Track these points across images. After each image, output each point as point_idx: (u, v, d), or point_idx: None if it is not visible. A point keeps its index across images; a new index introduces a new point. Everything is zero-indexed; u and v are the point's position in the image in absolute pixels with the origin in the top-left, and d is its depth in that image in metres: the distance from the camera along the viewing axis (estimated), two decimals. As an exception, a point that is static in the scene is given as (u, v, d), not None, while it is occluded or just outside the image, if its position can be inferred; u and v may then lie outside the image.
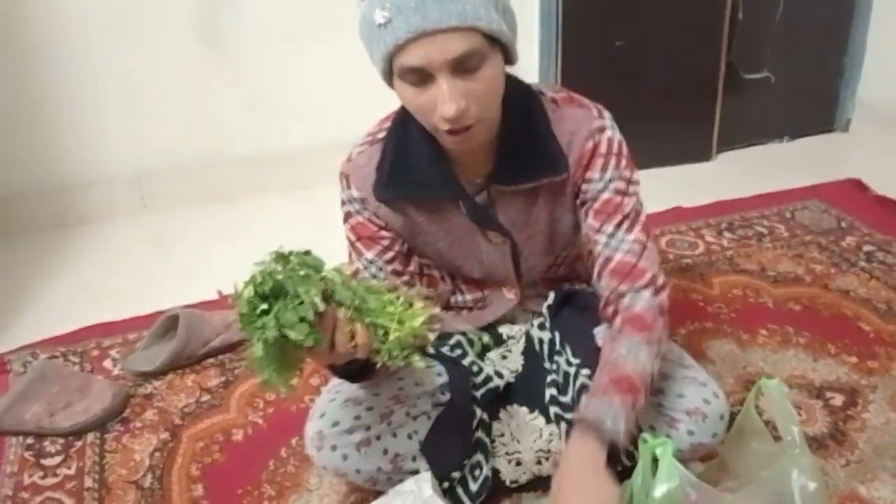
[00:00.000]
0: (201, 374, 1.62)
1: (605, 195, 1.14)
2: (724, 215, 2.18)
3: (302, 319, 0.89)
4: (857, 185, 2.32)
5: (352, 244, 1.21)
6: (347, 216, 1.21)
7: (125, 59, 2.21)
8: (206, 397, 1.56)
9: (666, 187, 2.33)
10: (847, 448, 1.34)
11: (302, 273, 0.91)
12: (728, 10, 2.36)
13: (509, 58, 1.03)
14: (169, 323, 1.66)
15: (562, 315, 1.28)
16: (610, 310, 1.15)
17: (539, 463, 1.22)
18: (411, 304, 0.97)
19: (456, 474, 1.17)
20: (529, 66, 2.40)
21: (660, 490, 1.01)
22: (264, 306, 0.90)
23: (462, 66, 0.95)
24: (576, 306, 1.28)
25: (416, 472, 1.18)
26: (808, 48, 2.61)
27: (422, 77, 0.96)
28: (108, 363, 1.68)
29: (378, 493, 1.23)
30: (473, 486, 1.19)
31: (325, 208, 2.35)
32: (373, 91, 2.45)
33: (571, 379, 1.21)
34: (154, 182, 2.37)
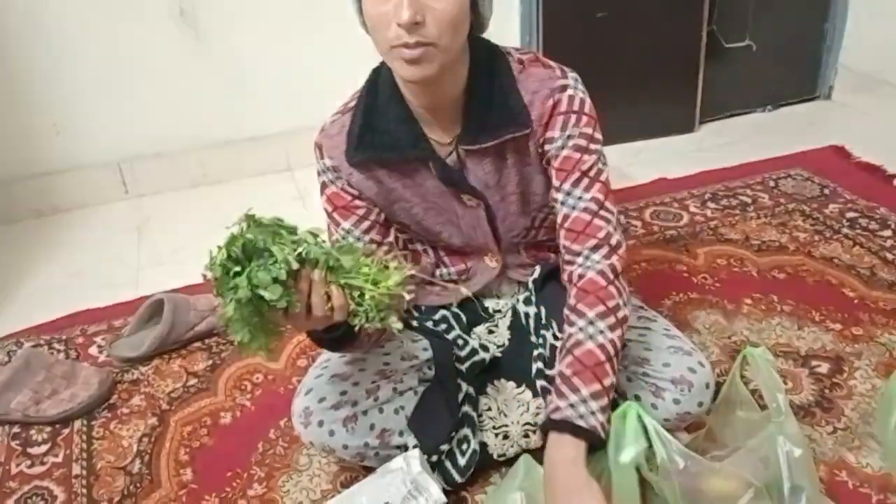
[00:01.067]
0: (188, 358, 1.61)
1: (565, 152, 1.13)
2: (708, 186, 2.18)
3: (275, 280, 0.89)
4: (840, 152, 2.32)
5: (328, 214, 1.21)
6: (323, 187, 1.20)
7: (105, 44, 2.17)
8: (193, 381, 1.55)
9: (649, 159, 2.33)
10: (833, 416, 1.35)
11: (273, 233, 0.91)
12: (709, -22, 2.35)
13: (478, 4, 1.04)
14: (154, 308, 1.65)
15: (547, 289, 1.28)
16: (565, 275, 1.14)
17: (526, 436, 1.22)
18: (386, 267, 0.97)
19: (444, 447, 1.17)
20: (510, 39, 2.38)
21: (626, 455, 1.02)
22: (237, 269, 0.90)
23: None
24: (559, 283, 1.28)
25: (403, 446, 1.18)
26: (789, 16, 2.60)
27: None
28: (93, 350, 1.67)
29: (367, 471, 1.24)
30: (461, 460, 1.19)
31: (307, 190, 2.36)
32: (352, 72, 2.44)
33: (558, 353, 1.20)
34: (135, 167, 2.34)
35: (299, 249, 0.92)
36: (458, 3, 1.00)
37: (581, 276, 1.11)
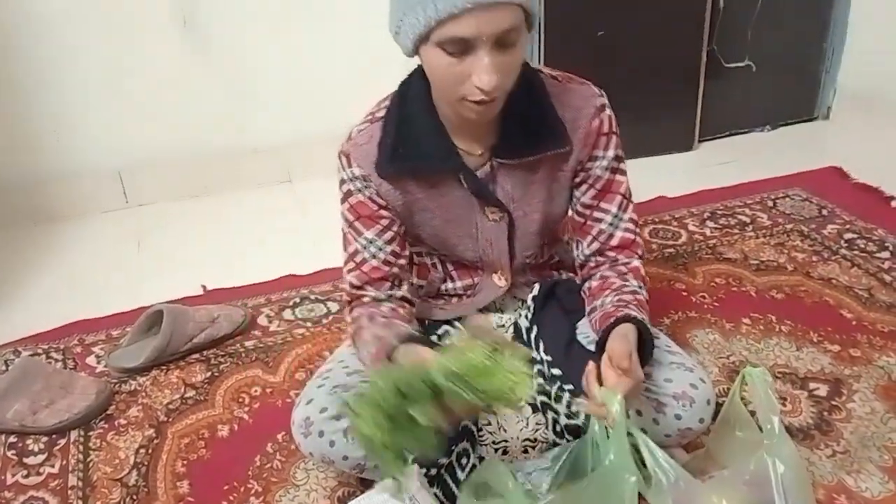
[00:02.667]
0: (186, 369, 1.61)
1: (608, 174, 1.21)
2: (707, 204, 2.18)
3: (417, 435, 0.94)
4: (839, 173, 2.33)
5: (350, 224, 1.22)
6: (347, 195, 1.20)
7: (106, 51, 2.18)
8: (190, 393, 1.55)
9: (648, 177, 2.34)
10: (833, 439, 1.35)
11: (411, 396, 0.94)
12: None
13: (530, 28, 1.05)
14: (153, 319, 1.65)
15: (546, 309, 1.29)
16: (603, 266, 1.25)
17: (525, 451, 1.23)
18: (496, 349, 0.97)
19: (443, 461, 1.17)
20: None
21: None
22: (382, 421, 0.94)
23: (503, 41, 0.98)
24: (561, 300, 1.31)
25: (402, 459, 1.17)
26: (789, 37, 2.62)
27: (463, 48, 0.98)
28: (91, 360, 1.66)
29: (364, 485, 1.24)
30: (461, 474, 1.19)
31: (306, 201, 2.36)
32: (352, 84, 2.47)
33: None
34: (136, 176, 2.34)
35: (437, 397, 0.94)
36: (523, 48, 1.02)
37: (627, 264, 1.24)
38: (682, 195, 2.23)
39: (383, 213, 1.20)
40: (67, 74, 2.18)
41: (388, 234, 1.21)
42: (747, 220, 2.10)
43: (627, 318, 1.12)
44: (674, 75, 2.45)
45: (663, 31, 2.36)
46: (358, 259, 1.22)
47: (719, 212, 2.15)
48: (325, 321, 1.75)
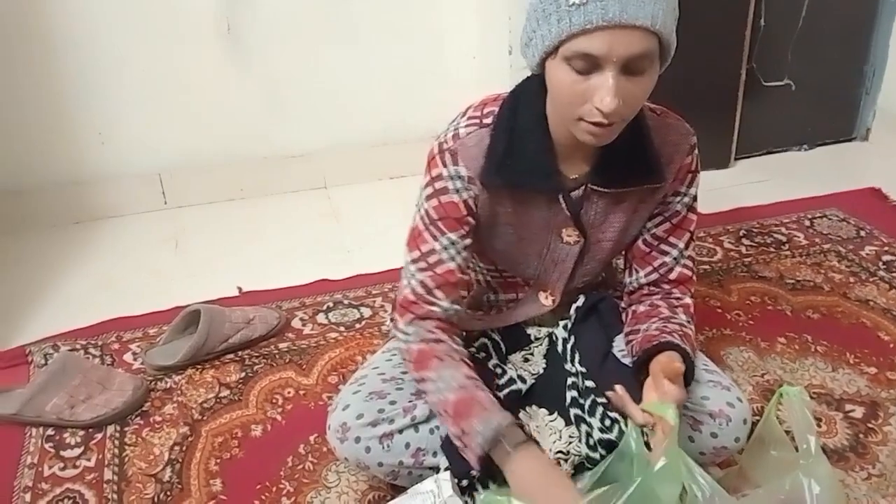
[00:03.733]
0: (220, 369, 1.63)
1: (684, 210, 1.23)
2: (743, 222, 2.17)
3: None
4: (877, 194, 2.31)
5: (433, 222, 1.17)
6: (441, 192, 1.16)
7: (147, 58, 2.22)
8: (225, 392, 1.56)
9: None
10: (868, 461, 1.34)
11: None
12: (750, 17, 2.36)
13: (661, 68, 1.05)
14: (190, 318, 1.68)
15: (585, 322, 1.30)
16: (655, 296, 1.27)
17: (558, 464, 1.22)
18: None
19: (475, 472, 1.17)
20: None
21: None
22: None
23: (632, 66, 0.96)
24: (601, 315, 1.32)
25: (436, 467, 1.18)
26: (829, 56, 2.60)
27: (589, 66, 0.97)
28: (128, 356, 1.69)
29: (395, 489, 1.24)
30: (492, 485, 1.19)
31: (340, 207, 2.38)
32: (386, 94, 2.49)
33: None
34: (174, 179, 2.38)
35: None
36: (653, 81, 1.01)
37: (680, 299, 1.27)
38: (718, 212, 2.22)
39: (469, 219, 1.17)
40: (112, 79, 2.22)
41: (468, 241, 1.19)
42: (783, 238, 2.09)
43: (670, 345, 1.13)
44: (712, 92, 2.44)
45: (703, 48, 2.35)
46: (432, 259, 1.17)
47: (755, 230, 2.13)
48: (357, 326, 1.77)
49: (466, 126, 1.16)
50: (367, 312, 1.82)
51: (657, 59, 1.00)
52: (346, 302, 1.86)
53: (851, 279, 1.88)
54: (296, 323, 1.78)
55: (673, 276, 1.26)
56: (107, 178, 2.32)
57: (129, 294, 1.94)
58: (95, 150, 2.29)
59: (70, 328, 1.79)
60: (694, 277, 1.28)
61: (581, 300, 1.31)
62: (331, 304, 1.85)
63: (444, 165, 1.15)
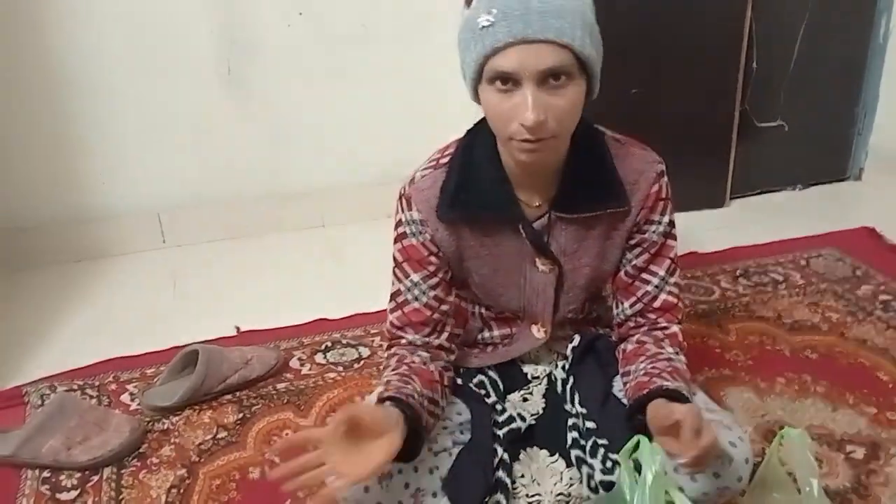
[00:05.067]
0: (218, 410, 1.62)
1: (661, 239, 1.24)
2: (739, 262, 2.18)
3: None
4: (871, 234, 2.32)
5: (398, 265, 1.24)
6: (401, 237, 1.23)
7: (149, 96, 2.25)
8: (222, 434, 1.55)
9: (680, 233, 2.31)
10: (871, 503, 1.33)
11: None
12: (742, 59, 2.39)
13: (591, 89, 1.08)
14: (188, 358, 1.67)
15: (583, 362, 1.30)
16: (641, 329, 1.27)
17: (559, 509, 1.21)
18: None
19: None
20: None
21: (650, 475, 1.01)
22: None
23: (549, 80, 1.01)
24: (599, 355, 1.32)
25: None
26: (822, 97, 2.63)
27: (509, 84, 1.02)
28: (125, 397, 1.68)
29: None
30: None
31: (339, 246, 2.39)
32: (384, 134, 2.52)
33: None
34: (174, 217, 2.39)
35: None
36: (579, 94, 1.05)
37: (666, 329, 1.25)
38: (713, 251, 2.24)
39: (432, 258, 1.22)
40: (114, 119, 2.25)
41: (434, 280, 1.23)
42: (780, 278, 2.10)
43: (659, 391, 1.12)
44: (706, 133, 2.47)
45: (697, 90, 2.39)
46: (399, 300, 1.24)
47: (752, 269, 2.14)
48: (356, 366, 1.76)
49: (423, 170, 1.22)
50: (365, 352, 1.81)
51: (577, 73, 1.03)
52: (344, 341, 1.86)
53: (849, 318, 1.89)
54: (294, 363, 1.78)
55: (657, 304, 1.26)
56: (107, 216, 2.34)
57: (127, 334, 1.93)
58: (97, 189, 2.31)
59: (67, 368, 1.78)
60: (680, 304, 1.28)
61: (577, 340, 1.32)
62: (329, 344, 1.85)
63: (402, 211, 1.22)
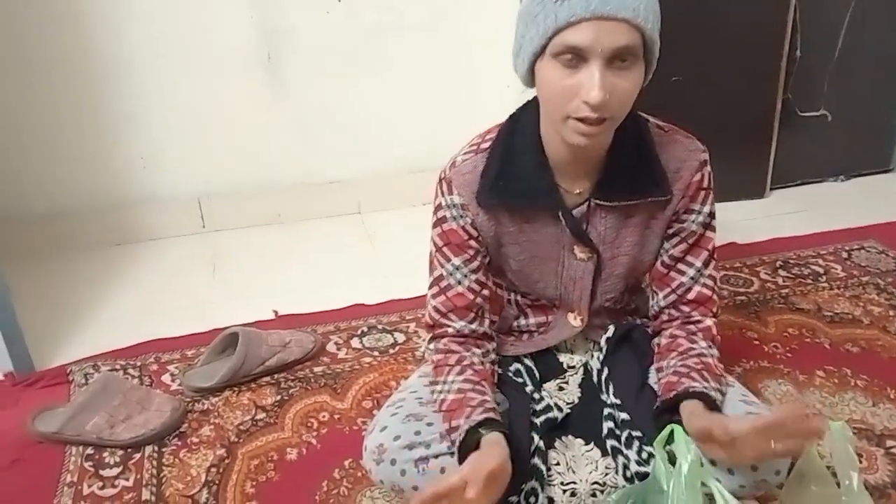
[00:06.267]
0: (257, 392, 1.65)
1: (700, 229, 1.23)
2: (779, 253, 2.15)
3: None
4: (916, 227, 2.28)
5: (438, 249, 1.24)
6: (441, 221, 1.23)
7: (188, 86, 2.28)
8: (261, 415, 1.58)
9: (720, 223, 2.28)
10: (911, 498, 1.31)
11: None
12: (785, 47, 2.35)
13: (647, 76, 1.07)
14: (228, 340, 1.70)
15: (619, 352, 1.30)
16: (675, 323, 1.26)
17: (594, 495, 1.21)
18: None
19: (513, 499, 1.17)
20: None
21: (685, 465, 1.02)
22: None
23: (617, 60, 1.00)
24: (635, 345, 1.32)
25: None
26: (866, 87, 2.58)
27: (576, 59, 1.00)
28: (166, 378, 1.71)
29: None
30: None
31: (374, 232, 2.41)
32: (424, 122, 2.52)
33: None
34: (213, 203, 2.42)
35: None
36: (640, 78, 1.04)
37: (699, 323, 1.25)
38: (753, 242, 2.21)
39: (472, 242, 1.22)
40: (154, 106, 2.28)
41: (474, 264, 1.23)
42: (821, 270, 2.07)
43: (685, 394, 1.12)
44: (747, 122, 2.44)
45: (739, 78, 2.35)
46: (443, 284, 1.24)
47: (792, 261, 2.12)
48: (391, 351, 1.78)
49: (464, 154, 1.22)
50: (400, 338, 1.83)
51: (641, 57, 1.03)
52: (380, 327, 1.88)
53: (891, 312, 1.86)
54: (330, 347, 1.80)
55: (691, 295, 1.25)
56: (147, 201, 2.38)
57: (168, 316, 1.97)
58: (137, 175, 2.35)
59: (110, 349, 1.82)
60: (714, 297, 1.26)
61: (612, 330, 1.31)
62: (365, 329, 1.87)
63: (442, 195, 1.22)
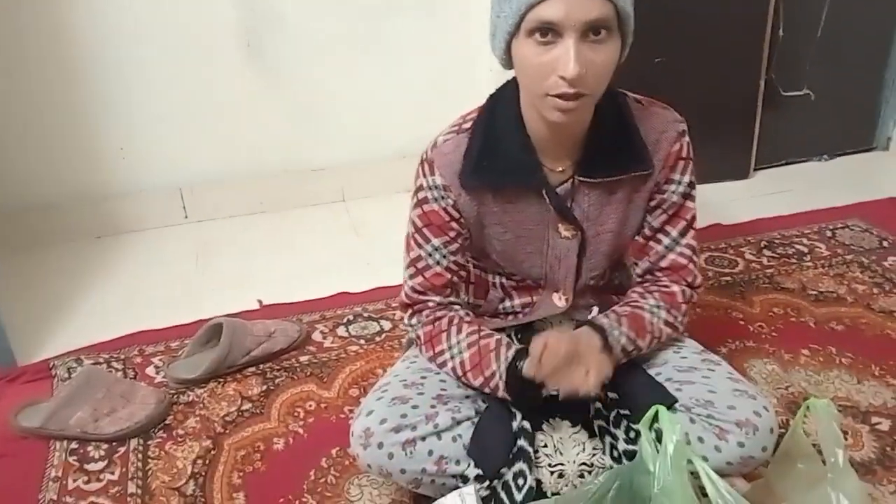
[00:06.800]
0: (242, 382, 1.64)
1: (678, 199, 1.23)
2: (764, 233, 2.16)
3: None
4: (899, 204, 2.29)
5: (418, 230, 1.25)
6: (422, 202, 1.23)
7: (168, 70, 2.25)
8: (247, 406, 1.57)
9: (704, 204, 2.29)
10: (896, 474, 1.32)
11: None
12: (768, 27, 2.35)
13: (623, 50, 1.07)
14: (212, 331, 1.68)
15: None
16: (645, 285, 1.29)
17: (582, 476, 1.21)
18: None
19: (505, 471, 1.17)
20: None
21: (671, 448, 1.02)
22: None
23: (591, 33, 1.00)
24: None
25: (460, 476, 1.17)
26: (849, 66, 2.58)
27: (550, 35, 1.00)
28: (150, 370, 1.70)
29: (418, 500, 1.25)
30: (518, 496, 1.18)
31: (359, 220, 2.39)
32: (407, 109, 2.50)
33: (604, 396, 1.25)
34: (196, 193, 2.40)
35: None
36: (616, 52, 1.04)
37: (666, 287, 1.27)
38: (738, 223, 2.21)
39: (454, 224, 1.22)
40: (133, 94, 2.25)
41: (454, 246, 1.24)
42: (805, 249, 2.07)
43: (588, 322, 1.20)
44: (731, 103, 2.44)
45: (721, 58, 2.35)
46: (420, 265, 1.25)
47: (776, 241, 2.12)
48: (377, 339, 1.77)
49: (446, 135, 1.22)
50: (387, 325, 1.82)
51: (616, 30, 1.03)
52: (365, 315, 1.87)
53: (875, 290, 1.86)
54: (316, 336, 1.79)
55: (664, 263, 1.27)
56: (128, 192, 2.35)
57: (151, 308, 1.95)
58: (117, 165, 2.32)
59: (93, 342, 1.80)
60: (691, 266, 1.27)
61: (596, 311, 1.32)
62: (351, 317, 1.86)
63: (424, 176, 1.22)
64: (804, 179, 2.55)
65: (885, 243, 2.08)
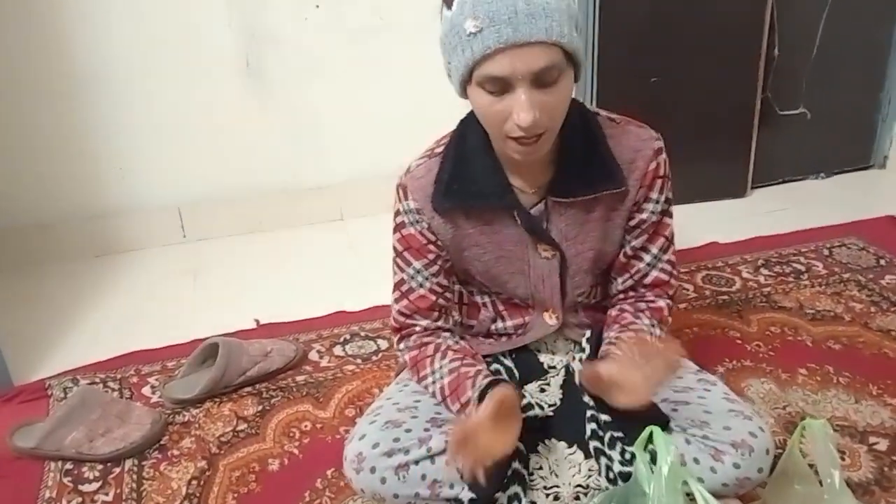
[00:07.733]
0: (238, 402, 1.63)
1: (657, 217, 1.24)
2: (761, 251, 2.16)
3: None
4: (896, 223, 2.29)
5: (399, 254, 1.27)
6: (400, 226, 1.26)
7: (167, 92, 2.26)
8: (242, 426, 1.56)
9: (701, 223, 2.32)
10: (894, 495, 1.31)
11: None
12: (763, 46, 2.36)
13: (577, 75, 1.07)
14: (208, 351, 1.68)
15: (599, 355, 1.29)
16: (629, 300, 1.30)
17: (577, 498, 1.21)
18: None
19: (500, 495, 1.16)
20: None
21: (665, 467, 1.02)
22: None
23: (541, 79, 1.00)
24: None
25: (454, 499, 1.17)
26: (845, 85, 2.59)
27: (501, 86, 1.01)
28: (146, 390, 1.69)
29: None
30: None
31: (357, 239, 2.40)
32: (406, 126, 2.51)
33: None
34: (193, 212, 2.41)
35: None
36: (570, 86, 1.05)
37: (652, 302, 1.28)
38: (735, 241, 2.21)
39: (431, 247, 1.24)
40: (132, 113, 2.26)
41: (435, 268, 1.26)
42: (802, 268, 2.07)
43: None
44: (727, 122, 2.45)
45: (717, 77, 2.36)
46: (404, 288, 1.27)
47: (773, 259, 2.12)
48: (374, 358, 1.77)
49: (419, 160, 1.24)
50: (383, 344, 1.82)
51: (567, 67, 1.03)
52: (362, 334, 1.86)
53: (872, 309, 1.86)
54: (313, 355, 1.79)
55: (648, 280, 1.28)
56: (127, 211, 2.36)
57: (148, 327, 1.95)
58: (116, 184, 2.33)
59: (89, 361, 1.80)
60: (672, 281, 1.29)
61: (589, 333, 1.32)
62: (347, 337, 1.86)
63: (400, 201, 1.25)
64: (801, 198, 2.55)
65: (882, 261, 2.08)
